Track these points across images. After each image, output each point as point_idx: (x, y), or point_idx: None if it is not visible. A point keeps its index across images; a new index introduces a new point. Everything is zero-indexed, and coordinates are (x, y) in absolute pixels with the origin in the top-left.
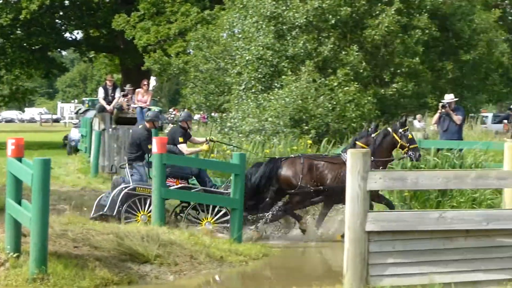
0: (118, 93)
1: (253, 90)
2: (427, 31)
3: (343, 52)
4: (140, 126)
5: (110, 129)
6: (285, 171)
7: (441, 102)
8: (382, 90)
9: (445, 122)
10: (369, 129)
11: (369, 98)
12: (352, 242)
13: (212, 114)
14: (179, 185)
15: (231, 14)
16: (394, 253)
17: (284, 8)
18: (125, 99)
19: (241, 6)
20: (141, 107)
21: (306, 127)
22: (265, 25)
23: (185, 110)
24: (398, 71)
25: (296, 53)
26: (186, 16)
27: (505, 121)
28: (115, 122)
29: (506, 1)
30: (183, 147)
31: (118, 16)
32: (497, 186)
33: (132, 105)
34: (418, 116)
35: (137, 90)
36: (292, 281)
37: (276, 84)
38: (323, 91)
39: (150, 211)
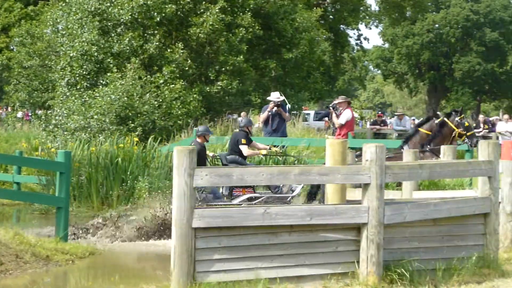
0: None
1: (78, 87)
2: (250, 29)
3: (169, 50)
4: (192, 143)
5: None
6: None
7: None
8: (208, 88)
9: (274, 121)
10: (429, 115)
11: (195, 95)
12: (179, 238)
13: (37, 111)
14: (246, 195)
15: (55, 10)
16: (221, 249)
17: (108, 4)
18: None
19: (64, 3)
20: None
21: (133, 125)
22: (89, 21)
23: (245, 115)
24: (223, 69)
25: (122, 50)
26: (9, 12)
27: (326, 118)
28: None
29: (327, 1)
30: (244, 148)
31: None
32: (319, 182)
33: None
34: (242, 113)
35: None
36: (120, 280)
37: (101, 81)
38: (149, 88)
39: None
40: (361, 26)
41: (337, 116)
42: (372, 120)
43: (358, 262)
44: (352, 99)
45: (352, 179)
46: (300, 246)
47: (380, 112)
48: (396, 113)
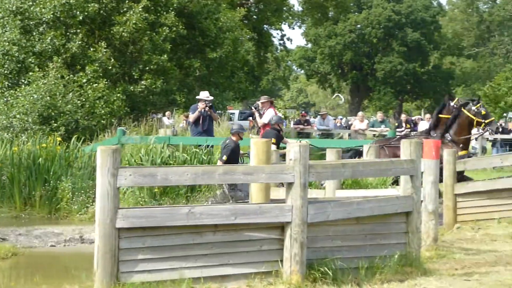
0: None
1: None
2: (174, 28)
3: (92, 49)
4: (227, 140)
5: None
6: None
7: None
8: (131, 87)
9: (205, 121)
10: (444, 101)
11: (118, 95)
12: (102, 238)
13: None
14: None
15: None
16: (145, 249)
17: (30, 3)
18: None
19: None
20: None
21: (55, 124)
22: (11, 20)
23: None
24: (147, 68)
25: (44, 49)
26: None
27: (251, 118)
28: None
29: (251, 0)
30: (273, 147)
31: None
32: (243, 181)
33: None
34: (167, 113)
35: None
36: (43, 280)
37: (23, 80)
38: (72, 87)
39: None
40: (285, 26)
41: (260, 116)
42: (295, 120)
43: (282, 261)
44: (276, 98)
45: (276, 178)
46: (224, 246)
47: (303, 112)
48: (319, 113)
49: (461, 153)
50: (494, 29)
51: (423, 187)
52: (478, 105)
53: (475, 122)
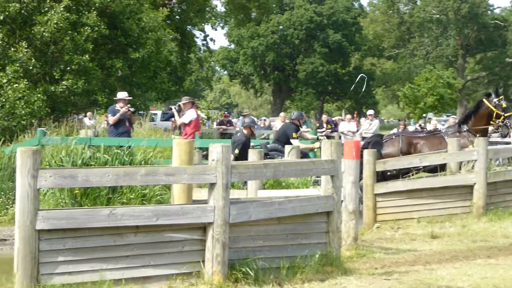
0: None
1: None
2: (96, 28)
3: (12, 49)
4: (238, 134)
5: None
6: (386, 150)
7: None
8: (52, 87)
9: (125, 124)
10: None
11: (39, 95)
12: (22, 241)
13: None
14: None
15: None
16: (65, 251)
17: None
18: None
19: None
20: None
21: None
22: None
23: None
24: (68, 68)
25: None
26: None
27: (173, 118)
28: None
29: (174, 1)
30: (296, 142)
31: None
32: (166, 182)
33: None
34: (88, 113)
35: None
36: None
37: None
38: None
39: None
40: (208, 27)
41: (179, 115)
42: (218, 120)
43: (204, 261)
44: (199, 99)
45: (199, 179)
46: (146, 247)
47: (226, 112)
48: (242, 113)
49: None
50: (414, 30)
51: (343, 187)
52: (500, 97)
53: (494, 114)
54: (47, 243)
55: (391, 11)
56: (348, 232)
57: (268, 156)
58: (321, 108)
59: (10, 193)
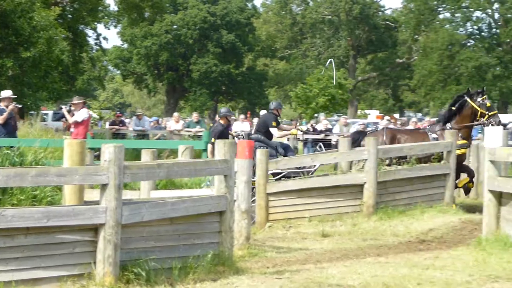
0: None
1: None
2: None
3: None
4: (215, 124)
5: None
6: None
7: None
8: None
9: (12, 122)
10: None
11: None
12: None
13: None
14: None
15: None
16: None
17: None
18: None
19: None
20: None
21: None
22: None
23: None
24: None
25: None
26: None
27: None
28: None
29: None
30: (274, 131)
31: None
32: (57, 183)
33: None
34: None
35: None
36: None
37: None
38: None
39: None
40: (101, 26)
41: (70, 114)
42: (111, 121)
43: (95, 263)
44: (91, 99)
45: (91, 180)
46: (36, 249)
47: (119, 112)
48: (135, 113)
49: (459, 142)
50: (307, 31)
51: (236, 186)
52: (484, 97)
53: (479, 113)
54: None
55: (284, 12)
56: (240, 231)
57: None
58: (215, 108)
59: None
